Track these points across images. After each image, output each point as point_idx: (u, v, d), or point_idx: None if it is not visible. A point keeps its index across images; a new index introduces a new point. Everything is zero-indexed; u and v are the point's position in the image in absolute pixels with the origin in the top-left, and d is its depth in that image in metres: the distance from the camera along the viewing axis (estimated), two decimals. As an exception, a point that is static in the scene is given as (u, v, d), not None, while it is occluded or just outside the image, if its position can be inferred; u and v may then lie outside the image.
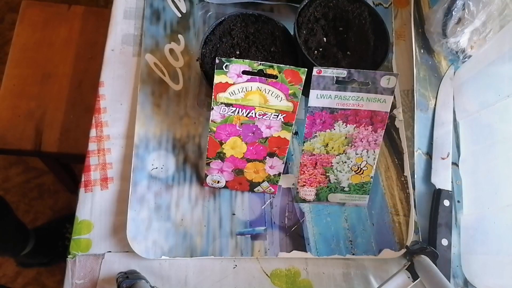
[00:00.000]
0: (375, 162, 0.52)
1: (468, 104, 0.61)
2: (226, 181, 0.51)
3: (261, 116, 0.46)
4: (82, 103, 0.84)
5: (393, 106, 0.59)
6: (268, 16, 0.55)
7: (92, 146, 0.54)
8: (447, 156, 0.58)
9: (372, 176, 0.53)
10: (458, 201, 0.58)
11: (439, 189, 0.56)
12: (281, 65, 0.43)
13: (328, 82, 0.46)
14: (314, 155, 0.51)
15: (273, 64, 0.43)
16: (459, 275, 0.54)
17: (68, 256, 0.49)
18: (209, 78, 0.50)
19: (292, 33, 0.54)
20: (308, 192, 0.53)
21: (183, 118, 0.56)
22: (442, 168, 0.58)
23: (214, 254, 0.51)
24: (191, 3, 0.61)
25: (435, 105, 0.62)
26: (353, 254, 0.53)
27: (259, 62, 0.43)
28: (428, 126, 0.61)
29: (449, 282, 0.49)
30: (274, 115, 0.45)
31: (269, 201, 0.54)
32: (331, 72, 0.46)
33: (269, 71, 0.43)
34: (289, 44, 0.55)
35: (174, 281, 0.50)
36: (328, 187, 0.53)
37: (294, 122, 0.47)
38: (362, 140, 0.50)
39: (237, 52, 0.53)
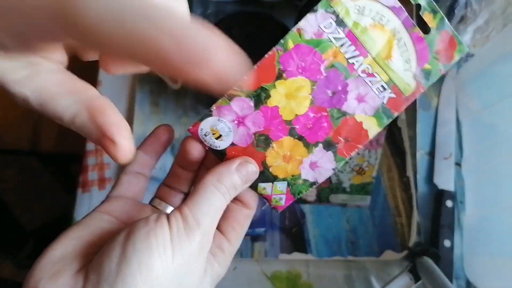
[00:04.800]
0: (377, 162, 0.51)
1: (471, 103, 0.60)
2: (231, 144, 0.29)
3: (365, 75, 0.29)
4: (79, 103, 0.84)
5: (395, 106, 0.59)
6: (268, 14, 0.54)
7: (89, 146, 0.53)
8: (450, 156, 0.58)
9: (374, 177, 0.52)
10: (461, 202, 0.57)
11: (441, 189, 0.55)
12: (445, 19, 0.27)
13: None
14: (315, 155, 0.50)
15: (439, 10, 0.27)
16: (461, 277, 0.54)
17: (65, 258, 0.48)
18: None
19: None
20: (309, 193, 0.53)
21: (182, 117, 0.55)
22: (445, 168, 0.57)
23: (213, 255, 0.50)
24: (190, 0, 0.60)
25: (437, 104, 0.62)
26: (355, 256, 0.52)
27: None
28: (430, 126, 0.60)
29: (452, 284, 0.49)
30: (382, 85, 0.29)
31: (269, 201, 0.53)
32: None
33: (427, 16, 0.27)
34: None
35: (172, 283, 0.49)
36: (329, 187, 0.52)
37: (396, 116, 0.30)
38: (364, 140, 0.50)
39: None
